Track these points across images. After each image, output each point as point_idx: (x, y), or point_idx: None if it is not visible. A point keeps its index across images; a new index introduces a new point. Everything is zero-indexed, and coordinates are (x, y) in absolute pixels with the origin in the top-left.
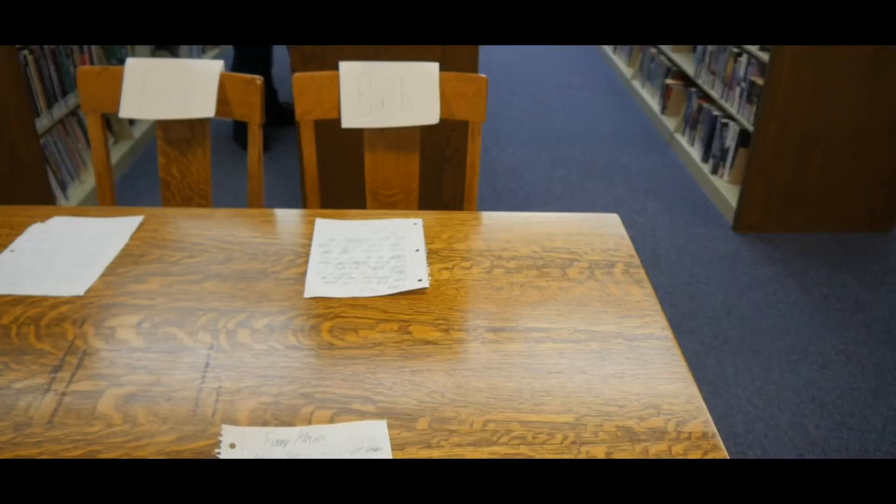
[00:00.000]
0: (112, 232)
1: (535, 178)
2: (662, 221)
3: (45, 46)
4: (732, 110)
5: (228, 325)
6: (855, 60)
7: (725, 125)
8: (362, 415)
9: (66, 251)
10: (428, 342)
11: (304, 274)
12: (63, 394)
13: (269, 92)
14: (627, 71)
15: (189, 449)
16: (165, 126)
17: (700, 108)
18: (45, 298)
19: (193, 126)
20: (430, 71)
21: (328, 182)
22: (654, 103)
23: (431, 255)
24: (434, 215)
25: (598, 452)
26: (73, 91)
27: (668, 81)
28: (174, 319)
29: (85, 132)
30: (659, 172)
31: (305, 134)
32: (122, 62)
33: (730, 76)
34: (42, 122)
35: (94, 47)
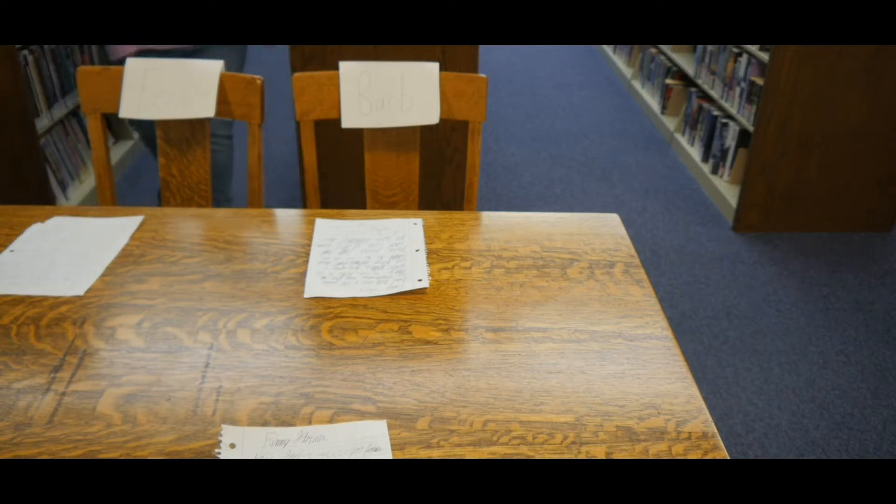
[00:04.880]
0: (112, 232)
1: (535, 178)
2: (662, 221)
3: (45, 46)
4: (732, 110)
5: (228, 325)
6: (855, 60)
7: (725, 125)
8: (362, 415)
9: (66, 251)
10: (428, 342)
11: (304, 274)
12: (63, 394)
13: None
14: (627, 71)
15: (189, 449)
16: (165, 126)
17: (700, 108)
18: (45, 298)
19: (193, 126)
20: (430, 71)
21: (328, 182)
22: (654, 103)
23: (431, 255)
24: (434, 215)
25: (598, 452)
26: (73, 91)
27: (668, 81)
28: (174, 319)
29: (85, 132)
30: (659, 172)
31: (305, 134)
32: (122, 62)
33: (730, 76)
34: (42, 122)
35: (94, 47)
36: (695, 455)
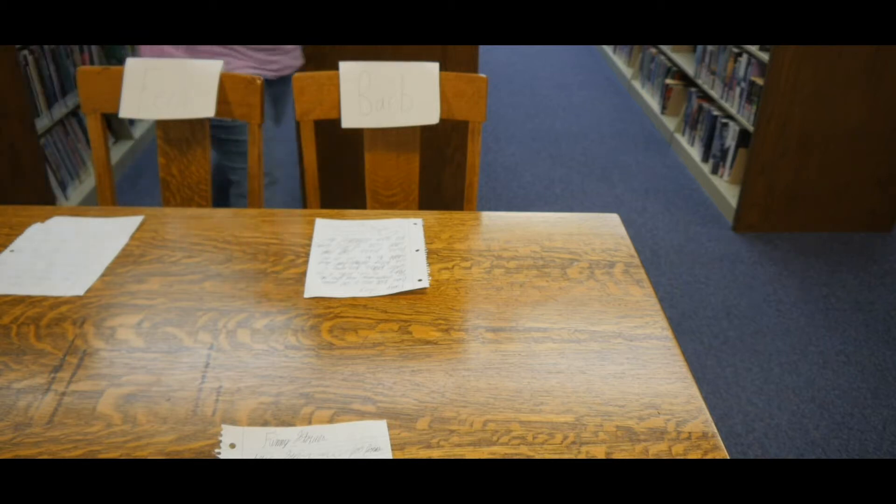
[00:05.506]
0: (112, 232)
1: (535, 178)
2: (662, 221)
3: (45, 46)
4: (732, 110)
5: (228, 325)
6: (855, 60)
7: (725, 125)
8: (362, 415)
9: (66, 251)
10: (428, 342)
11: (304, 274)
12: (63, 394)
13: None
14: (627, 71)
15: (189, 449)
16: (165, 126)
17: (700, 108)
18: (45, 298)
19: (193, 126)
20: (430, 71)
21: (328, 182)
22: (654, 103)
23: (431, 255)
24: (434, 215)
25: (598, 452)
26: (73, 91)
27: (668, 81)
28: (174, 319)
29: (85, 132)
30: (659, 172)
31: (305, 134)
32: (122, 62)
33: (730, 76)
34: (42, 122)
35: (94, 47)
36: (695, 455)
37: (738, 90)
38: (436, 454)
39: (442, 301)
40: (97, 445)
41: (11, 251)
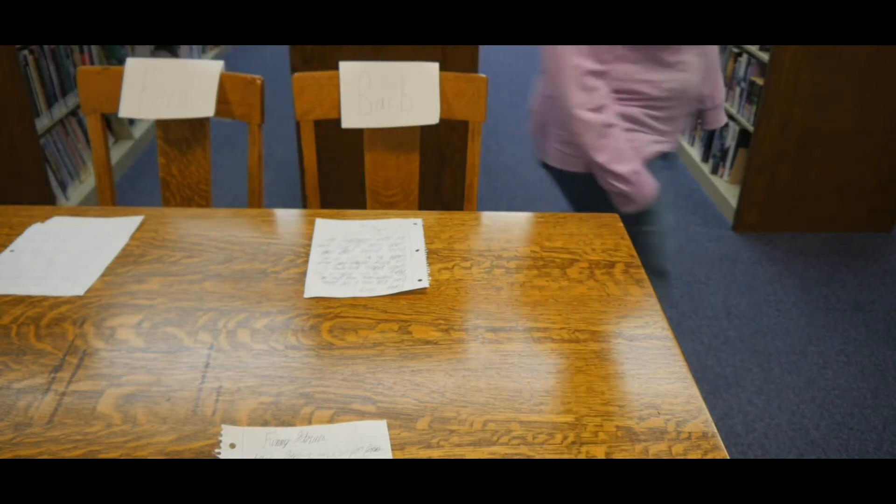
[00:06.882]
0: (112, 232)
1: (535, 178)
2: None
3: (45, 46)
4: (732, 110)
5: (228, 325)
6: (855, 60)
7: (725, 125)
8: (362, 415)
9: (66, 251)
10: (428, 342)
11: (304, 274)
12: (63, 394)
13: None
14: None
15: (189, 449)
16: (165, 126)
17: None
18: (45, 298)
19: (193, 126)
20: (430, 71)
21: (328, 182)
22: None
23: (431, 255)
24: (434, 215)
25: (598, 452)
26: (73, 91)
27: None
28: (174, 319)
29: (85, 132)
30: None
31: (305, 134)
32: (122, 62)
33: (730, 76)
34: (42, 122)
35: (94, 47)
36: (695, 455)
37: (738, 90)
38: (436, 454)
39: (442, 301)
40: (97, 445)
41: (11, 251)
